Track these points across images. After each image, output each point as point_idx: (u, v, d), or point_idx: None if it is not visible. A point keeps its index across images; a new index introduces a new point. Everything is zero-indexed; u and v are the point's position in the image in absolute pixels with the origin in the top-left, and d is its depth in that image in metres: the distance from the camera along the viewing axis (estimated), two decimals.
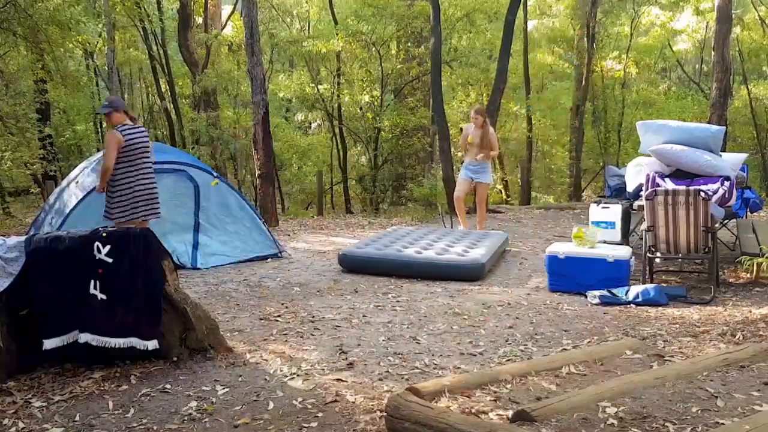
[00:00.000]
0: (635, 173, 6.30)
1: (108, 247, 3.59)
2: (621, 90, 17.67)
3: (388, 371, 3.67)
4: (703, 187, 5.39)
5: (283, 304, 5.33)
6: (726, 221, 6.51)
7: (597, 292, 5.31)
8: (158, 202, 5.66)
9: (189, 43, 15.28)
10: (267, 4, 17.53)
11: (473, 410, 2.98)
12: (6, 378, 3.49)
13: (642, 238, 5.70)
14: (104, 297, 3.58)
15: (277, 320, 4.83)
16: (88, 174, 6.46)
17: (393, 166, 15.17)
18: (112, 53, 12.48)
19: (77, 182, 6.52)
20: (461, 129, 8.78)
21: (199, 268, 6.66)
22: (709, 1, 17.27)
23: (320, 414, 3.07)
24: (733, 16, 12.95)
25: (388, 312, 5.07)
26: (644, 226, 5.50)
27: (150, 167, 5.62)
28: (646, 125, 6.52)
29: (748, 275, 5.93)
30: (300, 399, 3.26)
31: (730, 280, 6.05)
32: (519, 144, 19.66)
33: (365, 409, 3.10)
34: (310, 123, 20.80)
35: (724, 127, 6.71)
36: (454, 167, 12.54)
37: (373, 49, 14.36)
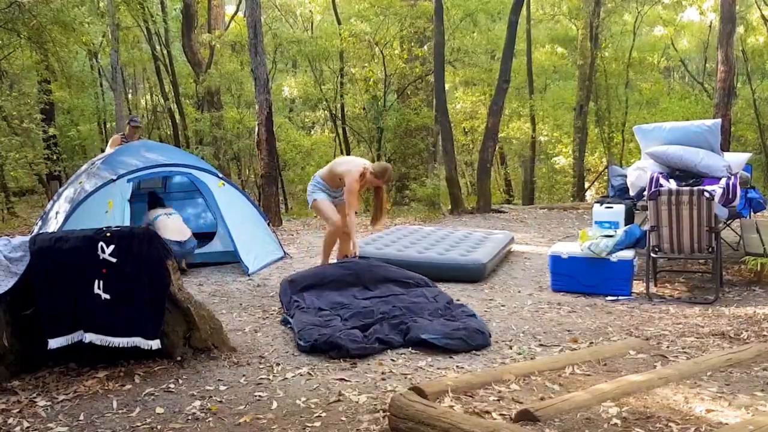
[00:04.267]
0: (635, 177, 6.30)
1: (112, 246, 3.60)
2: (624, 90, 17.65)
3: (391, 371, 3.67)
4: (707, 188, 5.39)
5: None
6: (729, 221, 6.50)
7: (586, 244, 5.63)
8: None
9: (192, 44, 15.33)
10: (270, 4, 17.56)
11: (476, 410, 2.98)
12: (11, 377, 3.50)
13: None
14: (108, 297, 3.59)
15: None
16: (91, 175, 6.47)
17: (396, 165, 15.18)
18: (116, 53, 12.51)
19: (80, 182, 6.54)
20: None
21: (250, 275, 6.48)
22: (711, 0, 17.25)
23: (323, 413, 3.07)
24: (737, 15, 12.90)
25: None
26: (648, 225, 5.49)
27: None
28: (642, 130, 6.54)
29: (752, 275, 5.92)
30: (303, 398, 3.26)
31: (734, 280, 6.04)
32: (522, 144, 19.66)
33: (368, 409, 3.10)
34: (313, 123, 20.83)
35: (720, 120, 6.68)
36: (457, 167, 12.55)
37: (376, 49, 14.37)
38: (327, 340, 4.00)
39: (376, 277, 5.25)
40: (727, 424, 2.79)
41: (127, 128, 8.72)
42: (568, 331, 4.49)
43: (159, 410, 3.15)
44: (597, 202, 6.58)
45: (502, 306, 5.24)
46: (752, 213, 6.65)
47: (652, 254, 5.47)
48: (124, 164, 6.35)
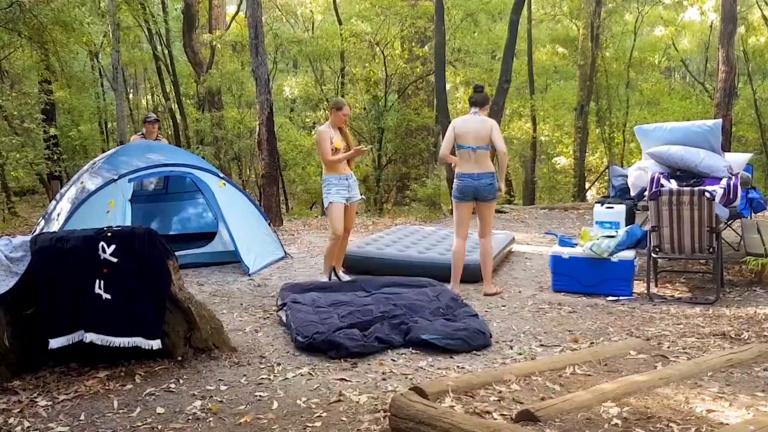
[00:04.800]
0: (636, 177, 6.30)
1: (113, 246, 3.60)
2: (625, 90, 17.65)
3: (392, 371, 3.67)
4: (708, 188, 5.39)
5: None
6: (730, 221, 6.50)
7: (588, 244, 5.60)
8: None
9: (193, 44, 15.34)
10: (271, 4, 17.55)
11: (477, 410, 2.98)
12: (11, 377, 3.50)
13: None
14: (109, 296, 3.59)
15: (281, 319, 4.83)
16: (92, 175, 6.47)
17: (397, 166, 15.18)
18: (117, 54, 12.51)
19: (82, 182, 6.54)
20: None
21: (250, 275, 6.49)
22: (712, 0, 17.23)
23: (324, 413, 3.07)
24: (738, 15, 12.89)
25: None
26: (649, 226, 5.49)
27: None
28: (643, 130, 6.54)
29: (753, 275, 5.92)
30: (304, 398, 3.26)
31: (735, 280, 6.04)
32: (523, 144, 19.66)
33: (369, 409, 3.10)
34: (314, 123, 20.83)
35: (721, 120, 6.69)
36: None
37: (377, 49, 14.37)
38: (325, 339, 4.00)
39: (378, 283, 5.29)
40: (727, 424, 2.79)
41: (144, 127, 8.30)
42: (569, 331, 4.49)
43: (160, 410, 3.15)
44: (598, 202, 6.57)
45: (503, 306, 5.24)
46: (753, 213, 6.66)
47: (653, 254, 5.47)
48: (125, 164, 6.34)
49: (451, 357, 3.93)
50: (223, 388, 3.43)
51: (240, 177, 17.13)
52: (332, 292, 5.06)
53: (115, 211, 5.87)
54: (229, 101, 16.98)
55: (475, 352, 4.02)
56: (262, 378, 3.58)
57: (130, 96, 19.79)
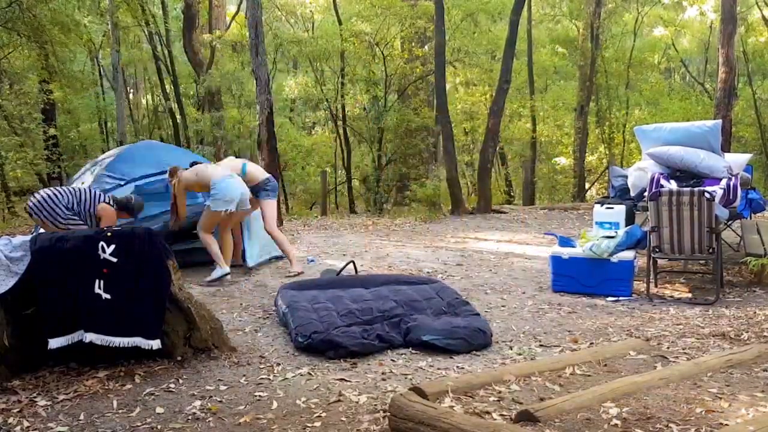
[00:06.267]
0: (636, 177, 6.30)
1: (113, 246, 3.61)
2: (625, 90, 17.66)
3: (391, 371, 3.67)
4: (708, 189, 5.39)
5: None
6: (730, 222, 6.50)
7: (588, 245, 5.58)
8: None
9: (194, 44, 15.34)
10: (271, 4, 17.55)
11: (477, 410, 2.98)
12: (11, 377, 3.50)
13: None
14: (109, 296, 3.59)
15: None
16: (96, 177, 6.44)
17: (397, 166, 15.18)
18: (117, 53, 12.52)
19: (82, 182, 6.53)
20: None
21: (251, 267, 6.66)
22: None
23: (323, 414, 3.07)
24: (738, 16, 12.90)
25: None
26: (648, 226, 5.49)
27: None
28: (643, 130, 6.55)
29: (753, 276, 5.92)
30: (303, 399, 3.26)
31: (735, 280, 6.04)
32: (523, 144, 19.66)
33: (368, 409, 3.10)
34: (314, 123, 20.84)
35: (720, 121, 6.70)
36: (457, 167, 12.53)
37: (377, 49, 14.37)
38: (324, 338, 3.99)
39: (378, 280, 5.27)
40: (727, 424, 2.78)
41: None
42: (569, 331, 4.49)
43: (159, 410, 3.15)
44: (597, 202, 6.57)
45: (503, 306, 5.24)
46: (752, 214, 6.66)
47: (653, 255, 5.47)
48: (129, 171, 6.28)
49: (451, 357, 3.93)
50: (222, 388, 3.43)
51: None
52: (332, 289, 5.03)
53: None
54: (228, 101, 16.99)
55: (474, 352, 4.02)
56: (262, 378, 3.58)
57: (130, 96, 19.79)
